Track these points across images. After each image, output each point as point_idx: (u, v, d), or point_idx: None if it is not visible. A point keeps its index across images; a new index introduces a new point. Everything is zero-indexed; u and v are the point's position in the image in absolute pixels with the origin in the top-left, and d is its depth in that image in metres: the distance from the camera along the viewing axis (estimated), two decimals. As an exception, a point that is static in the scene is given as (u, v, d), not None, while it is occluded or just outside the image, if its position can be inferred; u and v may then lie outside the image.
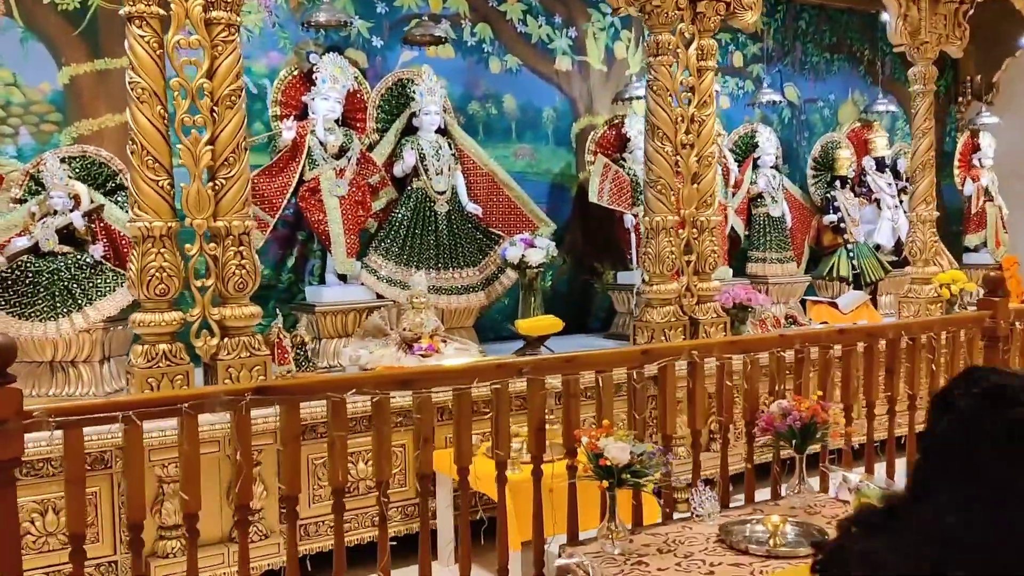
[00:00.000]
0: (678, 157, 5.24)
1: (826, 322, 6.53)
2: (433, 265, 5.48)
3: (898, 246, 7.65)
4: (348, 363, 4.90)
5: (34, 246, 4.43)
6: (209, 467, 3.73)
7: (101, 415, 2.40)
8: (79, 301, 4.33)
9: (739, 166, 7.14)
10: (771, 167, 7.17)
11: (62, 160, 4.58)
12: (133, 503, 2.47)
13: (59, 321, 4.28)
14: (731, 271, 6.87)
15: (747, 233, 7.15)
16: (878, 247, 7.61)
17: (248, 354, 3.94)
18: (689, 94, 5.28)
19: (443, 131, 5.74)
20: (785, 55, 8.08)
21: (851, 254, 7.24)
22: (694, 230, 5.31)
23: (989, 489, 1.18)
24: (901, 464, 4.25)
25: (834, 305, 6.61)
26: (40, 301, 4.30)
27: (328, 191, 5.20)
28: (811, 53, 8.26)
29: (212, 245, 3.90)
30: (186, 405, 2.48)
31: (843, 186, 7.45)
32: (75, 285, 4.36)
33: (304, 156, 5.19)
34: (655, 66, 5.16)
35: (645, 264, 5.24)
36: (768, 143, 7.11)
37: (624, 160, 6.50)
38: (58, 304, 4.30)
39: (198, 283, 3.87)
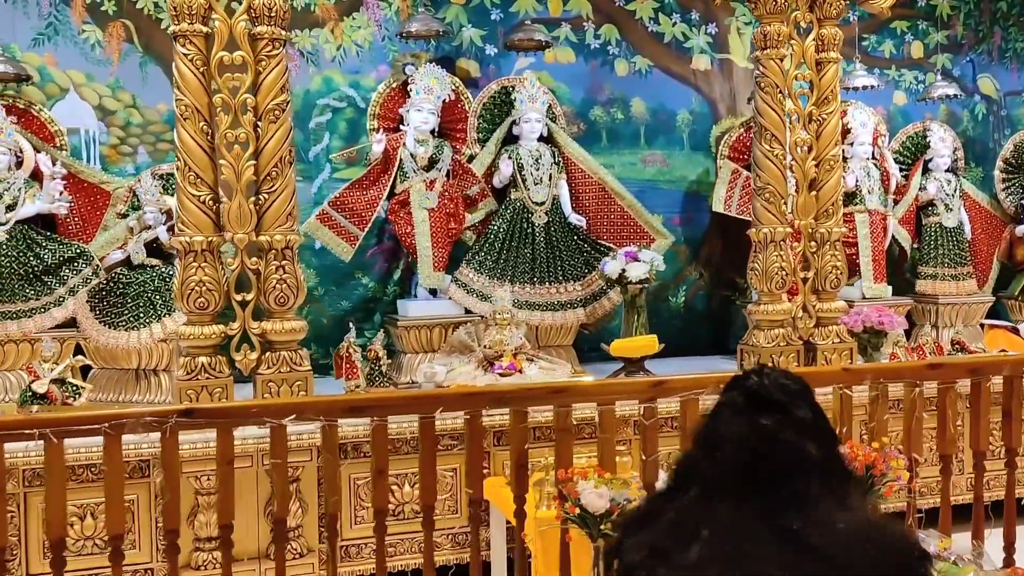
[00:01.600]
0: (794, 161, 4.66)
1: (1004, 350, 5.59)
2: (529, 279, 5.23)
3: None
4: (423, 379, 4.77)
5: (127, 258, 4.66)
6: (247, 482, 3.73)
7: (18, 431, 2.39)
8: (159, 312, 4.50)
9: (908, 169, 6.30)
10: (946, 170, 6.25)
11: (158, 176, 4.79)
12: (53, 520, 2.45)
13: (140, 331, 4.47)
14: (890, 289, 6.06)
15: (916, 246, 6.29)
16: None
17: (288, 369, 3.90)
18: (807, 92, 4.69)
19: (547, 139, 5.48)
20: (979, 42, 7.05)
21: (1049, 271, 6.17)
22: (812, 243, 4.70)
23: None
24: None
25: (1015, 331, 5.64)
26: (127, 311, 4.52)
27: (417, 203, 5.10)
28: (1014, 39, 7.14)
29: (254, 260, 3.89)
30: (107, 425, 2.43)
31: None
32: (157, 296, 4.54)
33: (396, 169, 5.13)
34: (763, 60, 4.63)
35: (752, 281, 4.70)
36: (941, 143, 6.21)
37: (761, 165, 5.91)
38: (141, 314, 4.50)
39: (239, 297, 3.88)
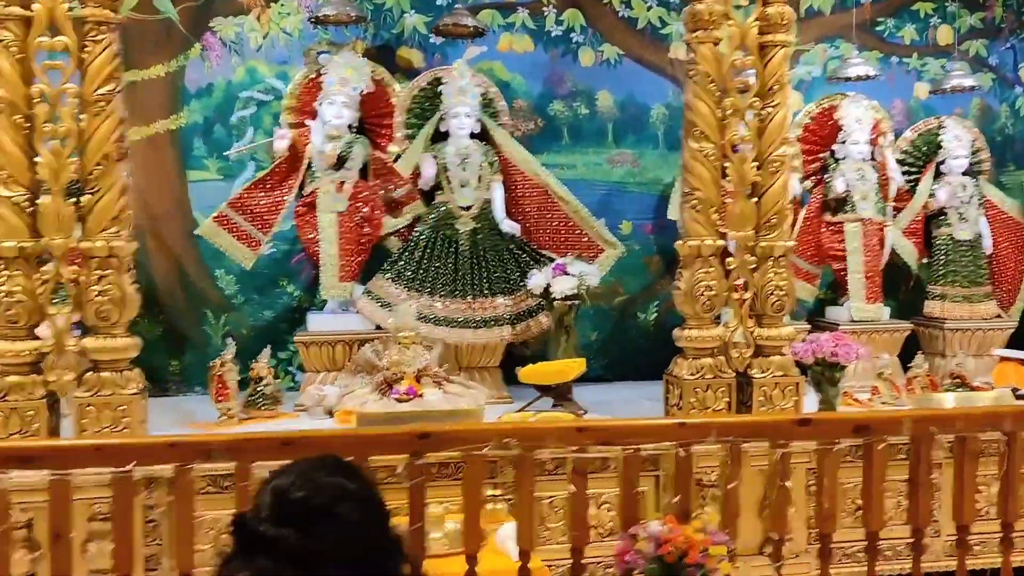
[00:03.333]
0: (733, 164, 3.98)
1: (1016, 388, 4.74)
2: (450, 292, 4.70)
3: None
4: (309, 402, 4.31)
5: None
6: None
7: None
8: None
9: (920, 172, 5.48)
10: (963, 173, 5.39)
11: None
12: None
13: None
14: (887, 310, 5.26)
15: (926, 260, 5.45)
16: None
17: (111, 392, 3.50)
18: (747, 79, 4.00)
19: (483, 136, 4.93)
20: (1023, 25, 6.11)
21: (1089, 292, 5.24)
22: (751, 258, 4.01)
23: None
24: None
25: (1026, 364, 4.78)
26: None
27: (325, 206, 4.64)
28: (1069, 20, 6.18)
29: (74, 268, 3.50)
30: None
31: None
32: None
33: (304, 167, 4.69)
34: (694, 44, 3.96)
35: (676, 301, 4.04)
36: (956, 142, 5.35)
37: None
38: None
39: (53, 311, 3.49)
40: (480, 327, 4.69)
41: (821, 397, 4.19)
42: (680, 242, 4.02)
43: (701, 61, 3.93)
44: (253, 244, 4.66)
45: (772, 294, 3.99)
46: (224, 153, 4.93)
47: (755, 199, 3.99)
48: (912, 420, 2.57)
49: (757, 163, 3.99)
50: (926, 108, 5.91)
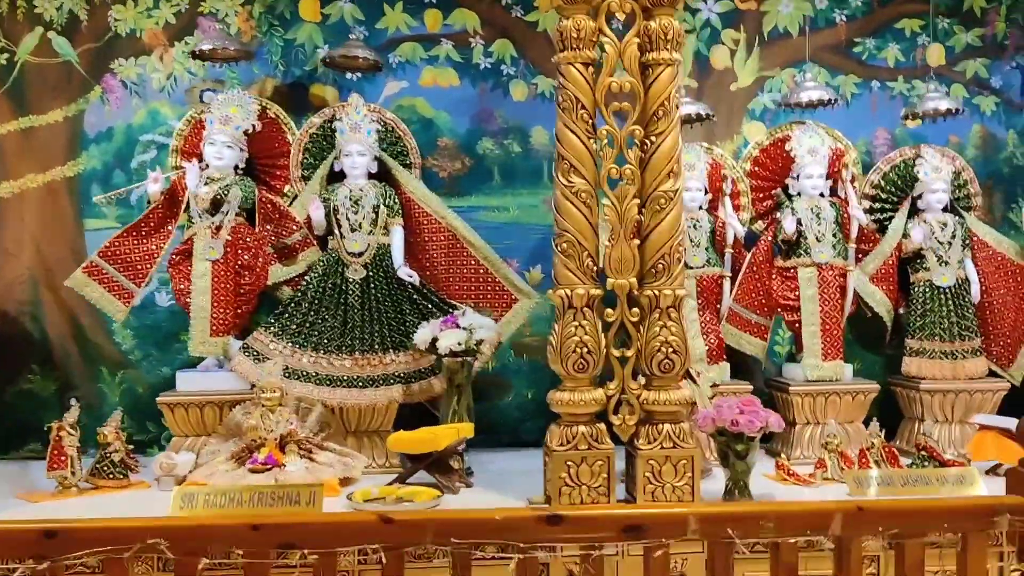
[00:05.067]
0: (610, 203, 3.45)
1: (998, 465, 4.01)
2: (336, 348, 4.25)
3: None
4: (158, 471, 3.90)
5: None
6: None
7: None
8: None
9: (894, 210, 4.79)
10: (943, 210, 4.67)
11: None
12: None
13: None
14: (848, 368, 4.56)
15: (903, 311, 4.73)
16: None
17: None
18: (625, 104, 3.47)
19: (382, 176, 4.51)
20: (1031, 42, 5.37)
21: (1100, 348, 4.42)
22: (635, 310, 3.44)
23: None
24: None
25: (1008, 433, 4.00)
26: None
27: (199, 254, 4.28)
28: (1089, 35, 5.40)
29: None
30: None
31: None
32: None
33: (182, 212, 4.36)
34: (563, 66, 3.46)
35: (549, 358, 3.50)
36: (935, 174, 4.65)
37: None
38: None
39: None
40: (368, 386, 4.22)
41: (728, 475, 3.55)
42: (551, 291, 3.49)
43: (570, 84, 3.43)
44: (125, 297, 4.33)
45: (659, 350, 3.41)
46: (94, 199, 4.63)
47: (636, 241, 3.45)
48: (699, 519, 1.97)
49: (640, 200, 3.45)
50: (915, 137, 5.20)
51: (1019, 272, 4.75)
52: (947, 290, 4.56)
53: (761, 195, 4.76)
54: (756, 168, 4.76)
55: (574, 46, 3.43)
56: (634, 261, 3.45)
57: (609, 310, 3.46)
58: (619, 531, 2.04)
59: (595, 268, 3.44)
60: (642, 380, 3.47)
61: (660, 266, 3.43)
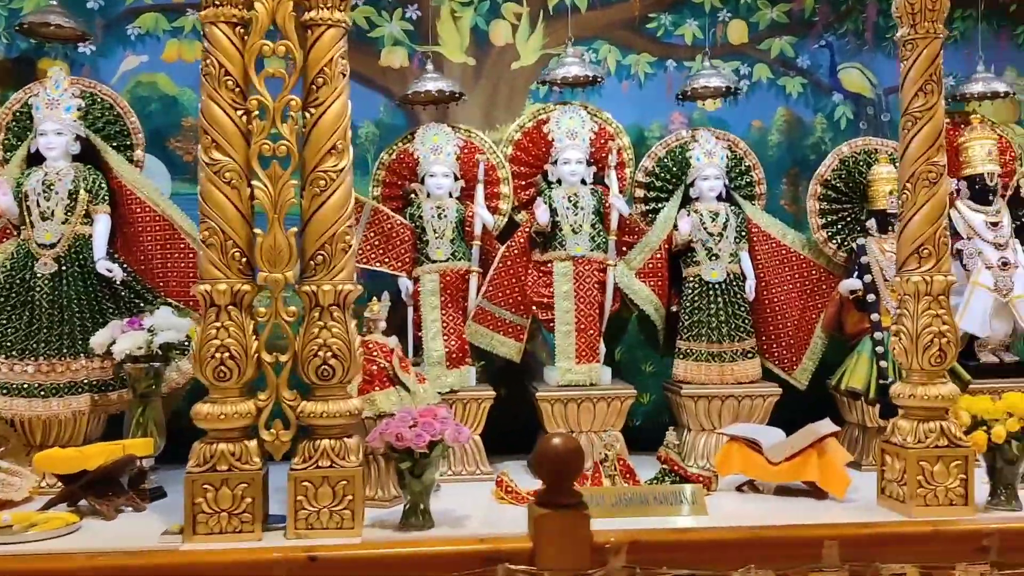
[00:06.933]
0: (261, 184, 2.99)
1: (748, 484, 3.62)
2: (21, 352, 3.75)
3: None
4: None
5: None
6: None
7: None
8: None
9: (668, 198, 4.39)
10: (718, 198, 4.28)
11: None
12: None
13: None
14: (607, 372, 4.15)
15: (676, 309, 4.32)
16: (974, 340, 4.24)
17: None
18: (280, 70, 3.02)
19: (91, 159, 4.02)
20: (841, 18, 4.99)
21: (881, 350, 4.02)
22: (290, 308, 2.99)
23: None
24: None
25: (755, 446, 3.60)
26: None
27: None
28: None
29: None
30: None
31: (883, 229, 4.25)
32: None
33: None
34: (205, 28, 3.00)
35: (192, 367, 3.04)
36: (707, 160, 4.25)
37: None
38: None
39: None
40: (52, 395, 3.73)
41: (406, 498, 3.10)
42: (194, 287, 3.02)
43: (214, 48, 2.97)
44: None
45: (317, 355, 2.96)
46: None
47: (293, 229, 2.99)
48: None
49: (304, 180, 3.00)
50: (714, 121, 4.81)
51: (806, 266, 4.37)
52: (717, 286, 4.16)
53: (524, 182, 4.34)
54: (518, 152, 4.34)
55: (217, 2, 2.96)
56: (291, 252, 2.99)
57: (263, 309, 3.01)
58: None
59: (245, 260, 2.98)
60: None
61: (321, 257, 2.98)
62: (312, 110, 3.01)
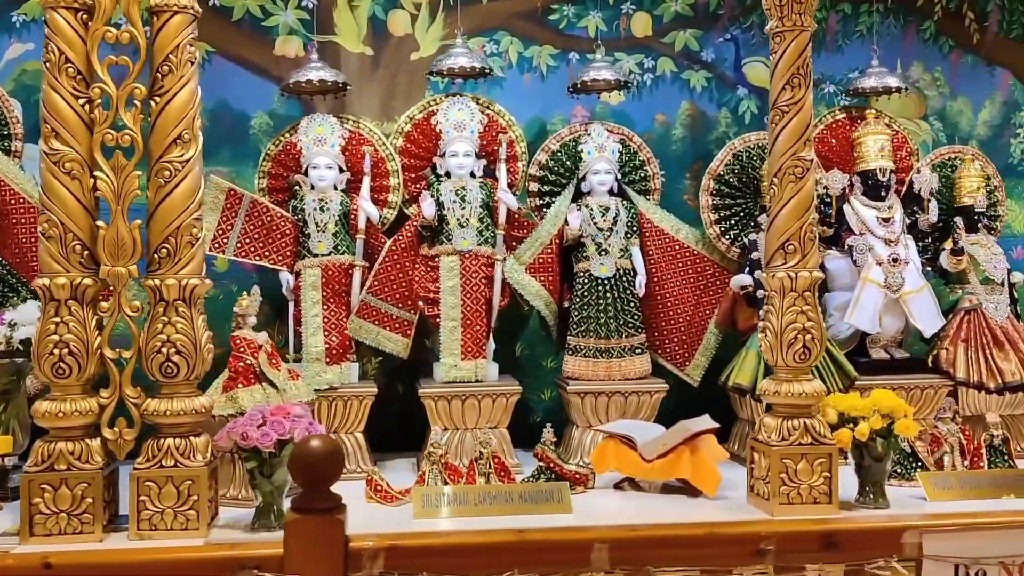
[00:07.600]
0: (103, 175, 2.90)
1: (628, 481, 3.57)
2: None
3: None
4: None
5: None
6: None
7: None
8: None
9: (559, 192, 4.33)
10: (610, 193, 4.23)
11: None
12: None
13: None
14: (494, 368, 4.09)
15: (568, 304, 4.27)
16: (865, 336, 4.23)
17: None
18: (123, 58, 2.93)
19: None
20: (748, 11, 4.95)
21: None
22: (135, 303, 2.91)
23: None
24: None
25: (630, 442, 3.56)
26: None
27: None
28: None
29: None
30: None
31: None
32: None
33: None
34: (47, 14, 2.90)
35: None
36: (597, 154, 4.20)
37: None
38: None
39: None
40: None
41: (261, 498, 3.03)
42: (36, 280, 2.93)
43: (55, 35, 2.87)
44: None
45: (160, 351, 2.87)
46: None
47: (137, 221, 2.91)
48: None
49: (156, 172, 2.92)
50: (617, 115, 4.76)
51: (699, 262, 4.34)
52: (607, 281, 4.11)
53: (414, 175, 4.26)
54: (408, 144, 4.26)
55: (54, -14, 2.86)
56: (135, 245, 2.91)
57: (105, 304, 2.92)
58: None
59: (87, 253, 2.88)
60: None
61: (165, 250, 2.90)
62: (158, 99, 2.93)
